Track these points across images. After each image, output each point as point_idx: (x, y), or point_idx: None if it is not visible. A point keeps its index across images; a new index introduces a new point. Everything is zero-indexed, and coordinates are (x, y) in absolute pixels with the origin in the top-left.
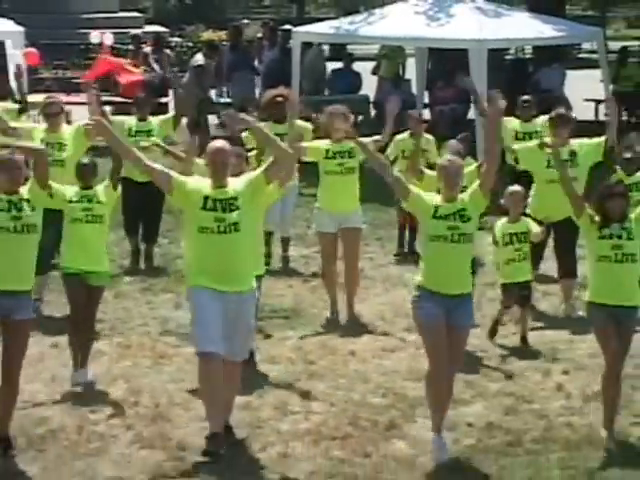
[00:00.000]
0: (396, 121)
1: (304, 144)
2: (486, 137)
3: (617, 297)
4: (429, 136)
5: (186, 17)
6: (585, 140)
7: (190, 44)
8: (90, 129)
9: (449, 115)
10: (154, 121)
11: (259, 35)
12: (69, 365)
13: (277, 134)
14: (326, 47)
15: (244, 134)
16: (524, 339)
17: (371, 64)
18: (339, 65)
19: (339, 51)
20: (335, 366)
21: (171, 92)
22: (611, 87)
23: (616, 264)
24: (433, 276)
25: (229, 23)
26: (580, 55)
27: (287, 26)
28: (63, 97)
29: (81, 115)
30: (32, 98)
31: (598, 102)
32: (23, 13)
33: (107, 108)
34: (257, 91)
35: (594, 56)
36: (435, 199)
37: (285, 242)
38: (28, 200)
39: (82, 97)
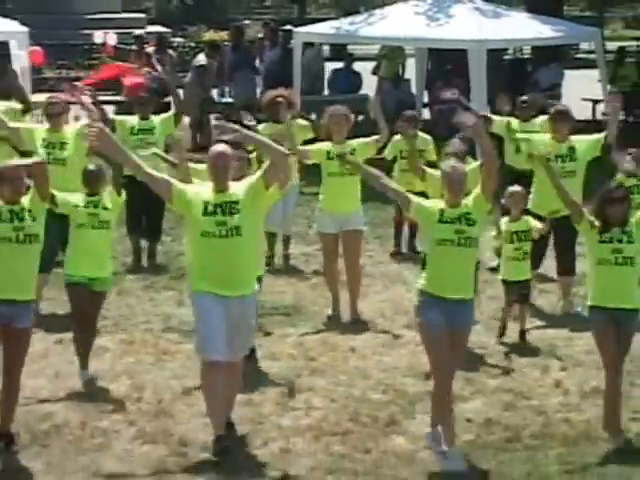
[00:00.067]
0: (395, 120)
1: (306, 147)
2: (477, 143)
3: (618, 300)
4: (426, 136)
5: (188, 17)
6: (584, 136)
7: (192, 44)
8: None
9: (448, 114)
10: (156, 120)
11: (260, 35)
12: (73, 361)
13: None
14: (327, 47)
15: None
16: (522, 336)
17: (371, 64)
18: (340, 65)
19: (340, 51)
20: (336, 362)
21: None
22: (608, 87)
23: (616, 267)
24: (438, 280)
25: (231, 23)
26: (578, 55)
27: (288, 26)
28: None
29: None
30: (36, 97)
31: (595, 102)
32: (27, 14)
33: (110, 107)
34: (258, 91)
35: (592, 56)
36: (439, 204)
37: (286, 240)
38: (30, 210)
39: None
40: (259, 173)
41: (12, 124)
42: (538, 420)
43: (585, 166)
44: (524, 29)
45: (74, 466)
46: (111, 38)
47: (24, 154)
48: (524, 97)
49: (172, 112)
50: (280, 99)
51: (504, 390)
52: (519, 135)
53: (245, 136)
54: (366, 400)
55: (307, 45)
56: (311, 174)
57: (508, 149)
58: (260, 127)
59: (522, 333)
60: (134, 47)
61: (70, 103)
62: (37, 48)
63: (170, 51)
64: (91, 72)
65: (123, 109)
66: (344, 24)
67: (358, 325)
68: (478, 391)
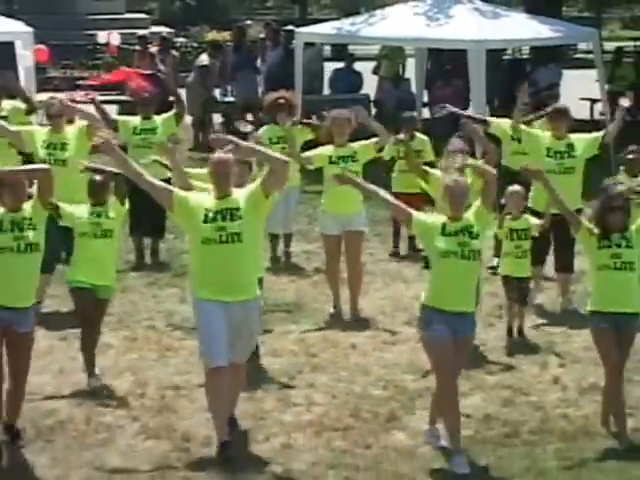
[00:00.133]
0: (395, 119)
1: (309, 153)
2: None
3: (618, 304)
4: (423, 136)
5: (191, 18)
6: (583, 135)
7: (195, 44)
8: (92, 130)
9: (447, 114)
10: (158, 120)
11: (262, 35)
12: (77, 358)
13: (280, 137)
14: (328, 47)
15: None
16: (521, 332)
17: (372, 64)
18: (340, 65)
19: (340, 51)
20: (337, 359)
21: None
22: (606, 87)
23: (615, 272)
24: (441, 293)
25: (233, 24)
26: (576, 55)
27: (290, 27)
28: (77, 95)
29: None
30: (40, 97)
31: (593, 101)
32: (32, 14)
33: (114, 107)
34: (260, 90)
35: (590, 56)
36: (440, 218)
37: (288, 238)
38: (30, 219)
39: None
40: (259, 182)
41: (13, 128)
42: (536, 416)
43: (584, 163)
44: (523, 29)
45: (78, 461)
46: (115, 38)
47: (26, 156)
48: (520, 104)
49: (173, 112)
50: (282, 101)
51: (503, 386)
52: (522, 127)
53: (241, 148)
54: (367, 396)
55: (307, 45)
56: (313, 173)
57: (505, 150)
58: (262, 129)
59: (520, 330)
60: (138, 47)
61: (77, 102)
62: (42, 46)
63: (173, 51)
64: (96, 72)
65: (126, 109)
66: (345, 24)
67: (359, 322)
68: (477, 387)
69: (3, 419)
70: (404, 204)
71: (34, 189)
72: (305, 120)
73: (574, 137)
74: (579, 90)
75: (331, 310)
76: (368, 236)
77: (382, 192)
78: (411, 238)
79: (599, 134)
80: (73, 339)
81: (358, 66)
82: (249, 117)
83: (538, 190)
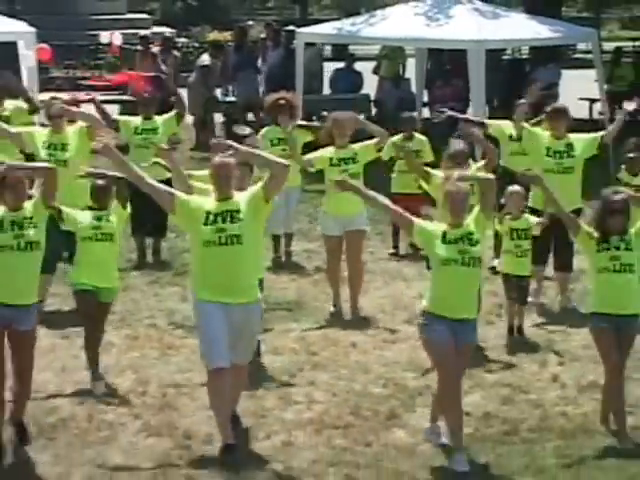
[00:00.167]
0: (395, 118)
1: (310, 156)
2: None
3: (618, 306)
4: (422, 137)
5: (192, 18)
6: (582, 135)
7: (196, 44)
8: (92, 131)
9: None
10: (159, 120)
11: (262, 36)
12: (79, 356)
13: (281, 139)
14: (328, 47)
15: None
16: (520, 331)
17: (372, 64)
18: (341, 65)
19: (341, 51)
20: (337, 357)
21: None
22: (605, 87)
23: (615, 274)
24: (442, 300)
25: (234, 24)
26: (575, 55)
27: (291, 27)
28: (81, 95)
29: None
30: (43, 97)
31: (592, 101)
32: (35, 14)
33: (116, 107)
34: (260, 90)
35: (589, 56)
36: (441, 226)
37: (288, 237)
38: (31, 217)
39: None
40: (260, 186)
41: (13, 130)
42: (536, 413)
43: (583, 163)
44: (522, 30)
45: (80, 458)
46: (117, 38)
47: (27, 156)
48: (521, 100)
49: (174, 112)
50: (282, 102)
51: (502, 384)
52: (525, 125)
53: (241, 153)
54: (367, 394)
55: (307, 45)
56: (313, 172)
57: (504, 150)
58: (263, 130)
59: (520, 329)
60: (139, 47)
61: (81, 101)
62: (44, 45)
63: (174, 52)
64: (98, 72)
65: (128, 109)
66: (345, 25)
67: (359, 320)
68: (477, 385)
69: (11, 416)
70: (404, 204)
71: (34, 190)
72: (304, 123)
73: (573, 137)
74: (578, 90)
75: (331, 309)
76: (369, 235)
77: (382, 198)
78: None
79: (598, 134)
80: (75, 337)
81: (358, 66)
82: (250, 117)
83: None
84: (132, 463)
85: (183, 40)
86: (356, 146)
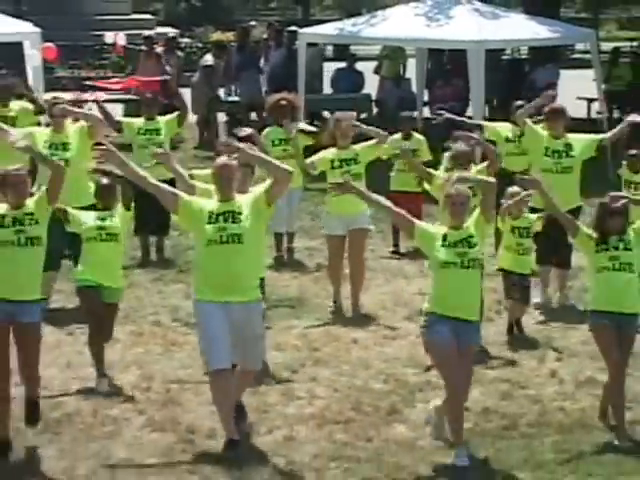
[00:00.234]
0: (395, 118)
1: (312, 159)
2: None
3: (618, 304)
4: (419, 136)
5: (196, 19)
6: (582, 135)
7: (200, 45)
8: (93, 131)
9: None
10: (161, 120)
11: (265, 36)
12: (84, 352)
13: (282, 139)
14: (330, 47)
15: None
16: (520, 328)
17: (373, 64)
18: (342, 65)
19: (342, 51)
20: (338, 353)
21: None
22: (603, 86)
23: (615, 273)
24: (443, 302)
25: (237, 24)
26: (574, 55)
27: (293, 27)
28: (87, 95)
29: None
30: (48, 96)
31: (590, 100)
32: (40, 15)
33: (120, 106)
34: (263, 90)
35: (587, 56)
36: (441, 228)
37: (290, 236)
38: (32, 213)
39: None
40: (262, 190)
41: (13, 130)
42: (534, 409)
43: (581, 162)
44: (522, 30)
45: (85, 453)
46: (121, 39)
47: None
48: (518, 102)
49: (176, 114)
50: (283, 102)
51: (501, 380)
52: (528, 121)
53: (248, 155)
54: (368, 390)
55: (309, 45)
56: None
57: (500, 151)
58: (265, 131)
59: (519, 326)
60: (143, 47)
61: (83, 102)
62: (50, 44)
63: (177, 52)
64: (102, 71)
65: (132, 108)
66: (347, 25)
67: (360, 317)
68: (476, 381)
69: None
70: (402, 202)
71: (35, 189)
72: (305, 128)
73: (571, 137)
74: (576, 89)
75: (330, 304)
76: (370, 233)
77: (384, 201)
78: None
79: (597, 137)
80: (80, 334)
81: (360, 66)
82: (253, 116)
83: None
84: (136, 457)
85: (186, 40)
86: (357, 147)
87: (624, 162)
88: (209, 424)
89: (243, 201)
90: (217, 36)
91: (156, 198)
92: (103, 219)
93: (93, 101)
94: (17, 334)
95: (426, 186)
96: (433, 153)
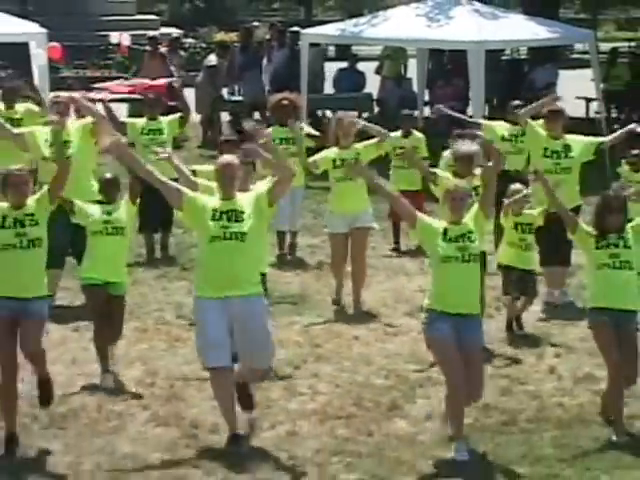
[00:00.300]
0: (396, 117)
1: (314, 158)
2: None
3: (617, 301)
4: (418, 134)
5: (200, 19)
6: (580, 137)
7: (203, 45)
8: (96, 128)
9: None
10: (164, 121)
11: (267, 37)
12: (89, 349)
13: (283, 138)
14: (332, 48)
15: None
16: (519, 323)
17: (374, 64)
18: (344, 65)
19: (344, 52)
20: (340, 349)
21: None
22: (601, 86)
23: (614, 270)
24: (443, 297)
25: (240, 25)
26: (572, 56)
27: (295, 28)
28: (93, 94)
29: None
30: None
31: (589, 100)
32: (46, 15)
33: (124, 105)
34: (266, 89)
35: (586, 56)
36: (441, 223)
37: (294, 233)
38: (32, 214)
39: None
40: (265, 190)
41: (15, 130)
42: (533, 404)
43: (580, 164)
44: (521, 30)
45: (90, 447)
46: (125, 39)
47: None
48: (515, 102)
49: (178, 115)
50: (286, 102)
51: (501, 376)
52: (530, 121)
53: (257, 153)
54: (369, 385)
55: (311, 45)
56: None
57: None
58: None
59: (518, 321)
60: (148, 48)
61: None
62: (55, 44)
63: (181, 52)
64: (107, 72)
65: (136, 107)
66: (349, 26)
67: (361, 314)
68: None
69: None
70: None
71: (37, 188)
72: (308, 132)
73: (570, 138)
74: (575, 89)
75: (333, 297)
76: (371, 231)
77: (390, 189)
78: None
79: (596, 140)
80: (85, 331)
81: (361, 66)
82: (256, 116)
83: (536, 188)
84: (140, 452)
85: (190, 41)
86: (359, 145)
87: (623, 161)
88: (212, 419)
89: (245, 199)
90: (221, 36)
91: (159, 196)
92: (109, 213)
93: (99, 100)
94: (21, 328)
95: (431, 187)
96: (433, 152)
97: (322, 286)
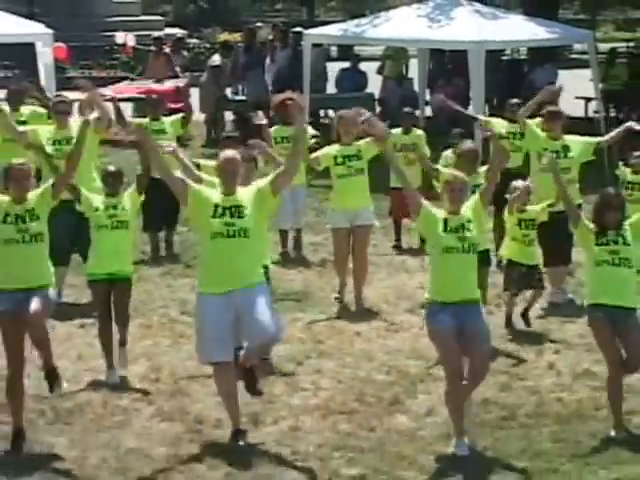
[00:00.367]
0: (398, 115)
1: (316, 155)
2: (493, 158)
3: (615, 298)
4: (419, 131)
5: (204, 20)
6: (579, 138)
7: (207, 45)
8: (99, 123)
9: (448, 112)
10: (167, 121)
11: (270, 37)
12: (95, 345)
13: (285, 137)
14: (334, 48)
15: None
16: (526, 318)
17: (376, 64)
18: (346, 65)
19: (346, 52)
20: (342, 345)
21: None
22: (600, 86)
23: (614, 267)
24: (443, 286)
25: (244, 26)
26: (572, 56)
27: (298, 28)
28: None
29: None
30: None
31: (588, 100)
32: (52, 16)
33: (129, 104)
34: (269, 89)
35: (585, 57)
36: (441, 212)
37: (298, 231)
38: (33, 209)
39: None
40: (268, 181)
41: (20, 128)
42: (532, 400)
43: (579, 164)
44: (521, 31)
45: (96, 442)
46: (130, 39)
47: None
48: (514, 100)
49: (181, 115)
50: (288, 101)
51: (500, 372)
52: (528, 121)
53: (262, 148)
54: (371, 381)
55: (313, 46)
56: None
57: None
58: (271, 129)
59: (526, 316)
60: (153, 48)
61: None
62: (61, 44)
63: (184, 52)
64: (113, 71)
65: (140, 106)
66: (351, 26)
67: (363, 311)
68: None
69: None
70: (402, 199)
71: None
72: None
73: (569, 139)
74: (574, 89)
75: (334, 295)
76: (372, 228)
77: (405, 175)
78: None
79: (594, 140)
80: (91, 327)
81: (363, 66)
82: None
83: (537, 183)
84: (145, 447)
85: (195, 41)
86: (360, 143)
87: (621, 163)
88: (216, 414)
89: (246, 194)
90: (224, 37)
91: (163, 195)
92: (114, 207)
93: (110, 99)
94: (26, 323)
95: (435, 184)
96: (433, 151)
97: (325, 283)
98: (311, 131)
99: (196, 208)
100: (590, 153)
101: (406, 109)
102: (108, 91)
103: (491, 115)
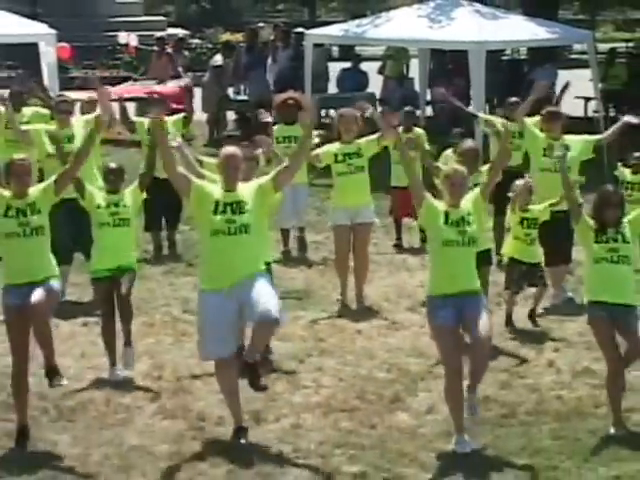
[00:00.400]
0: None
1: (317, 152)
2: (499, 153)
3: (614, 295)
4: (419, 130)
5: (206, 20)
6: (578, 137)
7: (209, 45)
8: (99, 121)
9: (449, 111)
10: (168, 121)
11: (272, 37)
12: (98, 343)
13: (286, 137)
14: (335, 48)
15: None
16: (533, 317)
17: (377, 64)
18: (348, 65)
19: (348, 52)
20: (343, 343)
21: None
22: (600, 86)
23: (613, 264)
24: (443, 280)
25: (246, 26)
26: (571, 56)
27: (300, 29)
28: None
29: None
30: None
31: (587, 99)
32: (55, 17)
33: (132, 104)
34: (271, 88)
35: (584, 57)
36: (442, 205)
37: (301, 229)
38: (34, 203)
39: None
40: (270, 177)
41: (23, 127)
42: (532, 397)
43: (579, 163)
44: (521, 31)
45: (98, 440)
46: (133, 39)
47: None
48: (512, 98)
49: (182, 115)
50: (290, 102)
51: (500, 369)
52: (527, 121)
53: (267, 144)
54: (372, 379)
55: (315, 46)
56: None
57: (493, 145)
58: (273, 129)
59: (532, 315)
60: (155, 48)
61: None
62: (64, 44)
63: (185, 52)
64: (115, 71)
65: (143, 106)
66: (352, 26)
67: (364, 309)
68: None
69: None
70: (402, 197)
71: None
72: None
73: (568, 138)
74: (574, 89)
75: (338, 297)
76: (373, 227)
77: (415, 167)
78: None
79: (593, 138)
80: (94, 325)
81: (364, 66)
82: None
83: (537, 182)
84: (148, 444)
85: (197, 41)
86: (361, 141)
87: (619, 163)
88: (218, 412)
89: (246, 190)
90: (226, 37)
91: (164, 195)
92: (116, 204)
93: (117, 99)
94: (29, 316)
95: (436, 181)
96: (433, 150)
97: (326, 282)
98: (314, 131)
99: (198, 204)
100: (590, 151)
101: (407, 108)
102: (117, 90)
103: (491, 115)
